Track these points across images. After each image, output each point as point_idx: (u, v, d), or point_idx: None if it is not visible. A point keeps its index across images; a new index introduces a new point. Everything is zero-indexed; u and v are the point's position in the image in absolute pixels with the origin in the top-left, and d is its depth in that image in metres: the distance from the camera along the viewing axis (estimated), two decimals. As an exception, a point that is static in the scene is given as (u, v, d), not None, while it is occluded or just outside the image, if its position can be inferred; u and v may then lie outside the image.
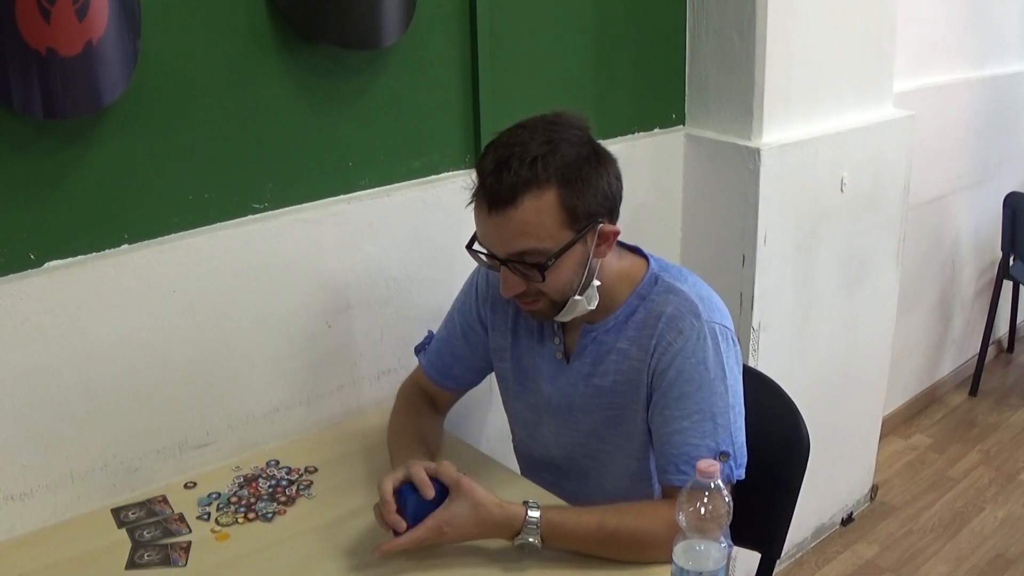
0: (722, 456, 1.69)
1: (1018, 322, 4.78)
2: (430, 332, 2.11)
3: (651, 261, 1.85)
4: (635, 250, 1.88)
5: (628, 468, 1.89)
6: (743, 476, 1.75)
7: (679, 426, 1.73)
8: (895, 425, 4.05)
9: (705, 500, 1.47)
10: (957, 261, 4.26)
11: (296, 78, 2.05)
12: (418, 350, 2.11)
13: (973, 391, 4.41)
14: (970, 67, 3.97)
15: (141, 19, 1.78)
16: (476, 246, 1.75)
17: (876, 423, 3.56)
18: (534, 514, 1.66)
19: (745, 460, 1.76)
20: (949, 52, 3.84)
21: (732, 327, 1.80)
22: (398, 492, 1.66)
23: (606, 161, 1.72)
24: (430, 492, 1.65)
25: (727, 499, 1.48)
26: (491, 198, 1.64)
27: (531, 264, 1.67)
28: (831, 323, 3.12)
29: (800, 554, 3.31)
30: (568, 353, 1.89)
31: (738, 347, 1.80)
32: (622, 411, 1.84)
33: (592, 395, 1.86)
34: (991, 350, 4.55)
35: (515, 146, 1.65)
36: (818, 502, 3.29)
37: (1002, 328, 4.76)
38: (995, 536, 3.39)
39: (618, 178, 1.73)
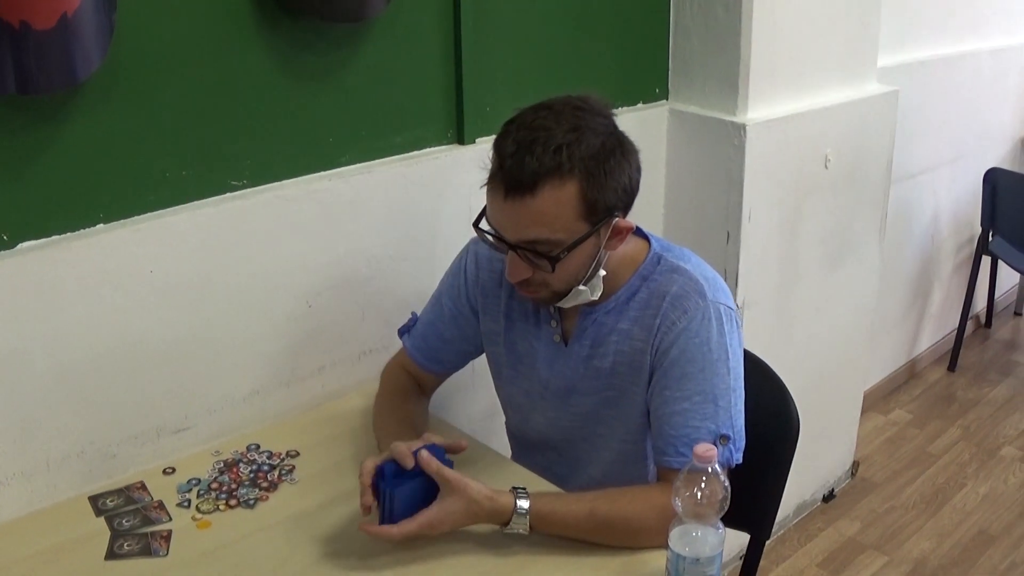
0: (722, 439, 1.67)
1: (996, 297, 4.79)
2: (414, 314, 2.07)
3: (652, 241, 1.82)
4: (635, 230, 1.83)
5: (623, 451, 1.87)
6: (740, 460, 1.72)
7: (679, 407, 1.70)
8: (875, 401, 4.06)
9: (702, 485, 1.45)
10: (936, 236, 4.25)
11: (276, 52, 2.00)
12: (402, 332, 2.06)
13: (952, 366, 4.42)
14: (952, 42, 3.95)
15: (116, -10, 1.73)
16: (484, 225, 1.69)
17: (858, 399, 3.56)
18: (523, 504, 1.64)
19: (743, 444, 1.73)
20: (932, 27, 3.82)
21: (736, 308, 1.77)
22: (380, 472, 1.62)
23: (629, 153, 1.66)
24: (410, 462, 1.61)
25: (725, 484, 1.46)
26: (509, 182, 1.57)
27: (542, 254, 1.62)
28: (814, 300, 3.10)
29: (782, 531, 3.32)
30: (566, 336, 1.85)
31: (741, 329, 1.77)
32: (622, 392, 1.81)
33: (592, 377, 1.83)
34: (969, 325, 4.56)
35: (540, 130, 1.58)
36: (800, 479, 3.28)
37: (980, 303, 4.77)
38: (977, 512, 3.40)
39: (639, 170, 1.68)
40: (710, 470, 1.45)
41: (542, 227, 1.59)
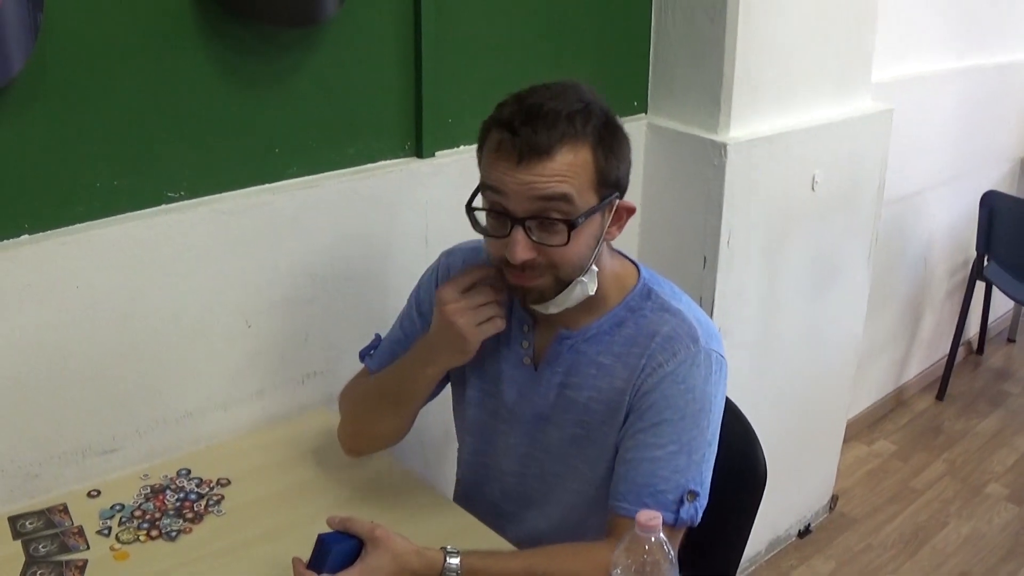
0: (689, 495, 1.59)
1: (989, 323, 4.69)
2: (377, 335, 1.95)
3: (641, 270, 1.74)
4: (621, 254, 1.77)
5: (581, 493, 1.76)
6: (700, 518, 1.63)
7: (650, 454, 1.61)
8: (858, 430, 3.96)
9: (645, 556, 1.33)
10: (929, 259, 4.15)
11: (217, 56, 1.89)
12: (363, 354, 1.95)
13: (940, 395, 4.33)
14: (951, 57, 3.85)
15: (42, -12, 1.63)
16: (479, 205, 1.62)
17: (839, 430, 3.45)
18: (453, 561, 1.55)
19: (706, 502, 1.64)
20: (930, 41, 3.71)
21: (726, 359, 1.69)
22: (320, 539, 1.55)
23: (626, 137, 1.63)
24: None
25: (670, 555, 1.34)
26: (524, 148, 1.51)
27: (559, 220, 1.54)
28: (796, 328, 3.00)
29: (753, 568, 3.21)
30: (536, 359, 1.76)
31: (726, 380, 1.69)
32: (591, 432, 1.71)
33: (563, 408, 1.73)
34: (960, 352, 4.45)
35: (548, 100, 1.54)
36: (774, 513, 3.17)
37: (972, 329, 4.67)
38: (958, 555, 3.30)
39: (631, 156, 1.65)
40: (654, 539, 1.33)
41: (562, 183, 1.52)
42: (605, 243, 1.64)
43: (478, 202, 1.61)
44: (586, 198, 1.54)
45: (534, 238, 1.55)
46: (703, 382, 1.62)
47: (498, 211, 1.57)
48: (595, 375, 1.69)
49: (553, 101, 1.53)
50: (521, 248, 1.55)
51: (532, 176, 1.51)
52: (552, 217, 1.53)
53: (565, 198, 1.52)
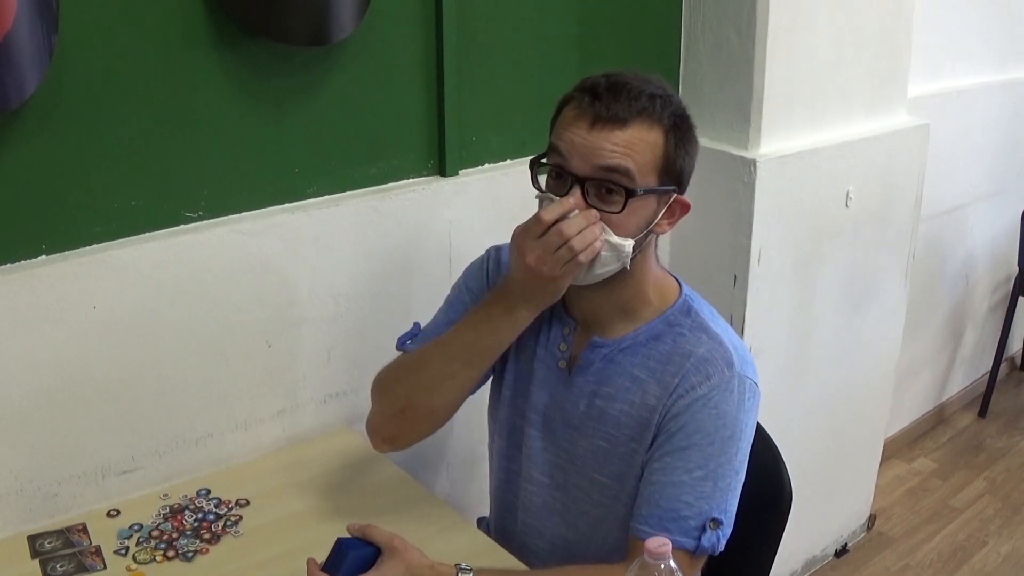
0: (712, 523, 1.56)
1: (1033, 339, 4.60)
2: (416, 324, 1.90)
3: (683, 286, 1.72)
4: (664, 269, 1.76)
5: (609, 511, 1.73)
6: (723, 548, 1.60)
7: (676, 478, 1.58)
8: (898, 447, 3.89)
9: (653, 585, 1.30)
10: (971, 275, 4.08)
11: (235, 76, 1.89)
12: (403, 340, 1.87)
13: (982, 412, 4.24)
14: (991, 70, 3.77)
15: (59, 12, 1.63)
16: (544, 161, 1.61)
17: (876, 449, 3.39)
18: None
19: (730, 531, 1.60)
20: (969, 54, 3.64)
21: (759, 386, 1.66)
22: (338, 542, 1.55)
23: (696, 138, 1.64)
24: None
25: (679, 584, 1.31)
26: (601, 113, 1.52)
27: (617, 186, 1.53)
28: (831, 346, 2.94)
29: (788, 588, 3.15)
30: (571, 364, 1.72)
31: (758, 407, 1.66)
32: (617, 447, 1.68)
33: (593, 418, 1.70)
34: (1003, 368, 4.37)
35: (633, 79, 1.56)
36: (810, 531, 3.13)
37: (1016, 345, 4.59)
38: (997, 574, 3.23)
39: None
40: (663, 566, 1.30)
41: (627, 158, 1.52)
42: (654, 236, 1.63)
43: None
44: (647, 179, 1.54)
45: (590, 201, 1.54)
46: (735, 408, 1.59)
47: (560, 170, 1.56)
48: (628, 388, 1.66)
49: (638, 81, 1.55)
50: (576, 202, 1.54)
51: (602, 141, 1.52)
52: (612, 182, 1.52)
53: (627, 172, 1.52)
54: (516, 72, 2.31)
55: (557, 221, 1.52)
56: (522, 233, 1.58)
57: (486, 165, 2.28)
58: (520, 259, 1.58)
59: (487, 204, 2.25)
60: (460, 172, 2.24)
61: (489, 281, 1.84)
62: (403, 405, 1.78)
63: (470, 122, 2.23)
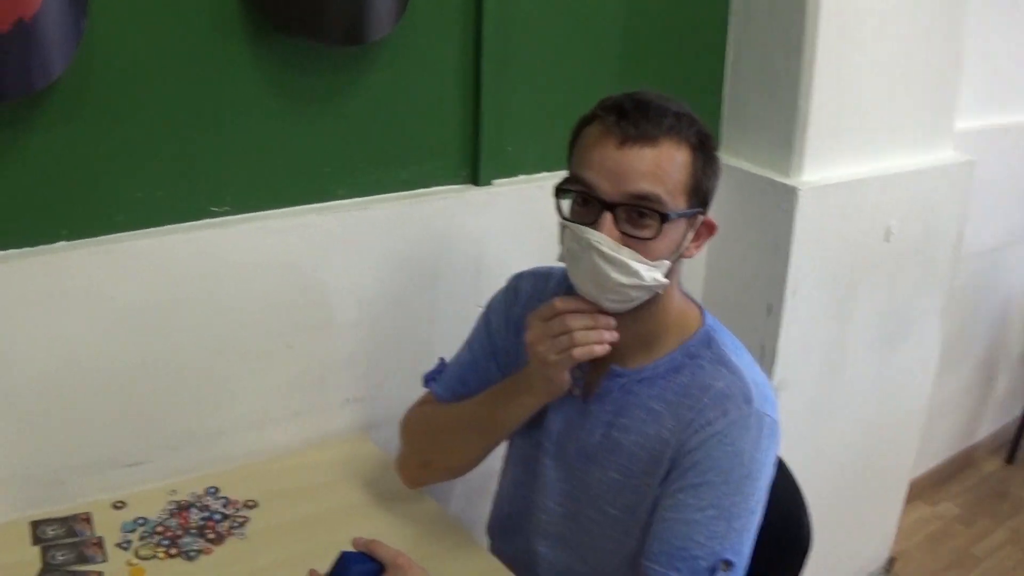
0: (724, 564, 1.51)
1: (1068, 386, 4.51)
2: (441, 360, 1.89)
3: (705, 315, 1.67)
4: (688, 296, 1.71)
5: (622, 545, 1.68)
6: None
7: (688, 516, 1.53)
8: (922, 489, 3.81)
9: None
10: (1007, 317, 4.00)
11: (267, 71, 1.86)
12: (428, 379, 1.88)
13: (1010, 458, 4.16)
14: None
15: (89, -5, 1.61)
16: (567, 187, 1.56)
17: (901, 490, 3.33)
18: None
19: (743, 573, 1.55)
20: (1019, 90, 3.56)
21: (779, 423, 1.60)
22: (342, 555, 1.51)
23: (718, 158, 1.60)
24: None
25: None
26: (628, 131, 1.48)
27: (650, 211, 1.48)
28: (862, 381, 2.88)
29: (801, 628, 3.08)
30: (588, 392, 1.68)
31: (778, 446, 1.60)
32: (631, 480, 1.63)
33: (608, 449, 1.66)
34: (1034, 414, 4.29)
35: (656, 98, 1.52)
36: (827, 571, 3.05)
37: (1049, 391, 4.49)
38: (1013, 627, 3.16)
39: None
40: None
41: (658, 181, 1.47)
42: (681, 262, 1.59)
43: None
44: (678, 201, 1.49)
45: (620, 228, 1.49)
46: (752, 446, 1.53)
47: (587, 196, 1.50)
48: (644, 419, 1.62)
49: (661, 99, 1.51)
50: (607, 231, 1.48)
51: (631, 160, 1.47)
52: (644, 206, 1.47)
53: (659, 197, 1.47)
54: (554, 84, 2.27)
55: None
56: (534, 313, 1.57)
57: (520, 176, 2.24)
58: (526, 334, 1.58)
59: (519, 216, 2.21)
60: (493, 182, 2.20)
61: (507, 312, 1.80)
62: (424, 460, 1.86)
63: (506, 131, 2.19)
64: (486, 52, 2.09)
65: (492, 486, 1.99)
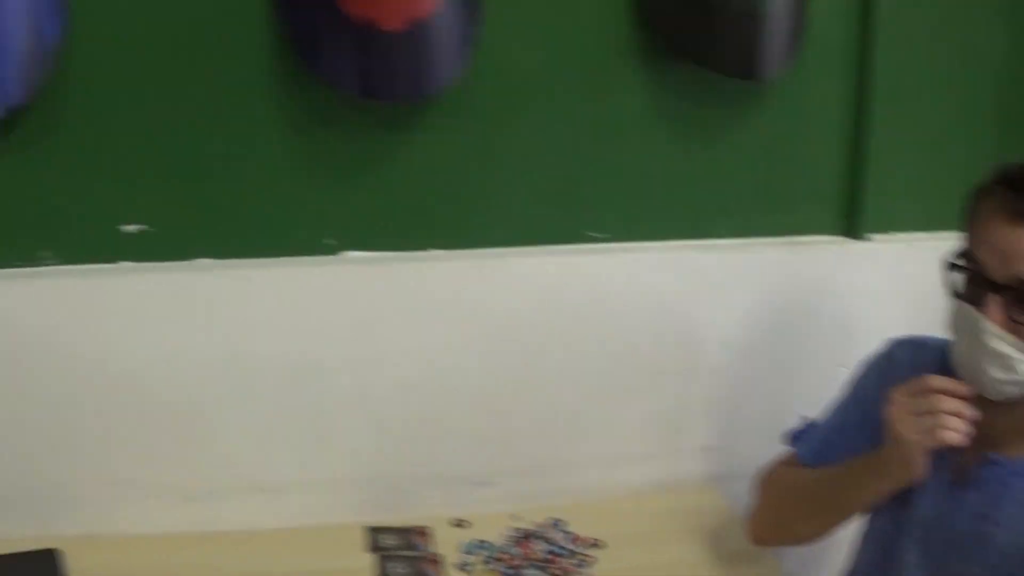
0: None
1: None
2: (806, 419, 1.80)
3: None
4: None
5: None
6: None
7: None
8: None
9: None
10: None
11: (655, 97, 1.88)
12: (793, 438, 1.79)
13: None
14: None
15: (483, 4, 1.68)
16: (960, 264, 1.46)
17: None
18: None
19: None
20: None
21: None
22: None
23: None
24: None
25: None
26: (1020, 207, 1.36)
27: None
28: None
29: None
30: (960, 477, 1.55)
31: None
32: None
33: (974, 542, 1.51)
34: None
35: None
36: None
37: None
38: None
39: None
40: None
41: None
42: None
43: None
44: None
45: (1010, 313, 1.37)
46: None
47: (975, 275, 1.40)
48: (1017, 517, 1.47)
49: None
50: (993, 316, 1.37)
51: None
52: None
53: None
54: (938, 141, 2.15)
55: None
56: (900, 387, 1.46)
57: (900, 233, 2.13)
58: (887, 408, 1.47)
59: (898, 275, 2.08)
60: (871, 236, 2.11)
61: (880, 380, 1.67)
62: (774, 522, 1.76)
63: (890, 185, 2.10)
64: (876, 103, 2.03)
65: (829, 554, 1.87)
